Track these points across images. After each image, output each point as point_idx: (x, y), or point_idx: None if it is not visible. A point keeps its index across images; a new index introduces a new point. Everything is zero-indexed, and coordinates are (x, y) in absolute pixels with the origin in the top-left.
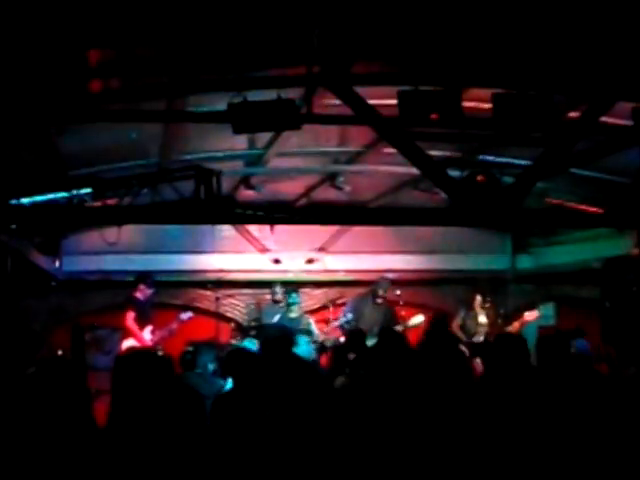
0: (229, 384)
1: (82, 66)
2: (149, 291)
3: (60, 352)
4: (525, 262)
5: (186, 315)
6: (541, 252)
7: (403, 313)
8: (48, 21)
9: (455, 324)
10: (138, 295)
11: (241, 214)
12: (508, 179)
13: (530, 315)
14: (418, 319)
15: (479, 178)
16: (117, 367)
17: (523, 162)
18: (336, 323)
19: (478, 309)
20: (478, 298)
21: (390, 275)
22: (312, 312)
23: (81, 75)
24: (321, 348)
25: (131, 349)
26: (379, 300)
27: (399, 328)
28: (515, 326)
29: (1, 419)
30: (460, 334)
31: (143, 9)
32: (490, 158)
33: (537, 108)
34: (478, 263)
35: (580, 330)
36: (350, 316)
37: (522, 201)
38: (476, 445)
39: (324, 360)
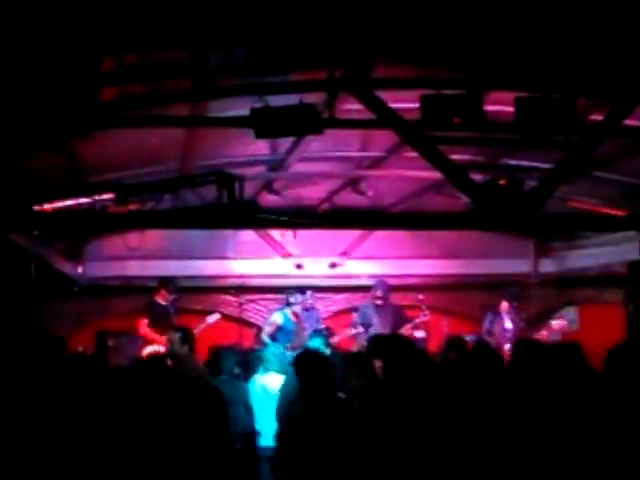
0: (253, 388)
1: (103, 72)
2: (170, 296)
3: (81, 349)
4: (548, 266)
5: (213, 318)
6: (564, 256)
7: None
8: (71, 27)
9: (483, 329)
10: (158, 299)
11: (264, 219)
12: (531, 183)
13: (558, 324)
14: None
15: (501, 182)
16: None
17: (546, 165)
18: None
19: (504, 315)
20: (504, 304)
21: (412, 280)
22: (333, 317)
23: (102, 81)
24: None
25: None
26: (378, 302)
27: (408, 327)
28: (543, 334)
29: (21, 420)
30: (488, 339)
31: (165, 14)
32: (512, 162)
33: (560, 111)
34: (501, 267)
35: None
36: (360, 328)
37: (545, 205)
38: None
39: None
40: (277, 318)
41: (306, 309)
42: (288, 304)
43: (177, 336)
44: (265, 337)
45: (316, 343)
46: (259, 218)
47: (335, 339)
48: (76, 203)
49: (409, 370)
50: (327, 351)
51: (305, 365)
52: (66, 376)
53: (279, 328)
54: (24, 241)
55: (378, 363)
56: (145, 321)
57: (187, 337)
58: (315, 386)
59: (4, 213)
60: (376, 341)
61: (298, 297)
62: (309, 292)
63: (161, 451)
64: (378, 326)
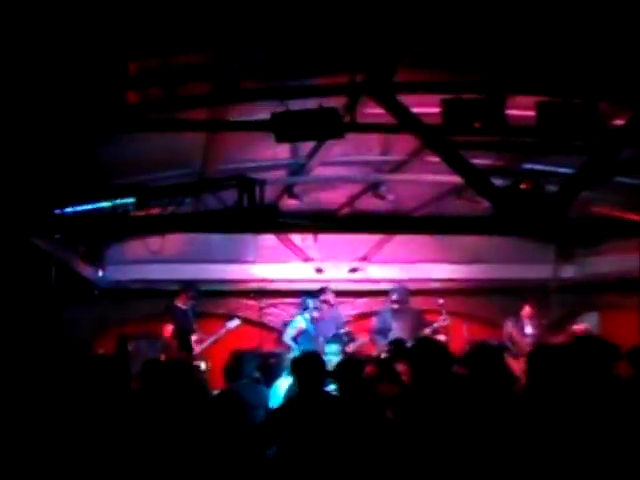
0: (275, 392)
1: (125, 76)
2: (190, 301)
3: (101, 351)
4: (569, 271)
5: (233, 323)
6: (585, 261)
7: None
8: (91, 31)
9: (505, 334)
10: (179, 304)
11: (284, 223)
12: (552, 187)
13: (578, 330)
14: None
15: (523, 186)
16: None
17: (567, 170)
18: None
19: (525, 320)
20: (527, 308)
21: (432, 284)
22: (354, 321)
23: (123, 85)
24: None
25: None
26: (395, 306)
27: (427, 331)
28: (562, 338)
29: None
30: (509, 344)
31: (187, 18)
32: (534, 166)
33: (581, 116)
34: (521, 272)
35: None
36: (379, 335)
37: (566, 210)
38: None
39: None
40: (300, 322)
41: (327, 311)
42: (306, 308)
43: (175, 342)
44: (289, 340)
45: (332, 349)
46: (280, 222)
47: (355, 345)
48: (97, 207)
49: (439, 373)
50: (341, 358)
51: (297, 365)
52: (92, 378)
53: (302, 332)
54: (45, 244)
55: (402, 367)
56: (170, 327)
57: (185, 343)
58: (305, 383)
59: (26, 216)
60: (398, 345)
61: (316, 302)
62: (329, 291)
63: (180, 453)
64: (397, 330)
